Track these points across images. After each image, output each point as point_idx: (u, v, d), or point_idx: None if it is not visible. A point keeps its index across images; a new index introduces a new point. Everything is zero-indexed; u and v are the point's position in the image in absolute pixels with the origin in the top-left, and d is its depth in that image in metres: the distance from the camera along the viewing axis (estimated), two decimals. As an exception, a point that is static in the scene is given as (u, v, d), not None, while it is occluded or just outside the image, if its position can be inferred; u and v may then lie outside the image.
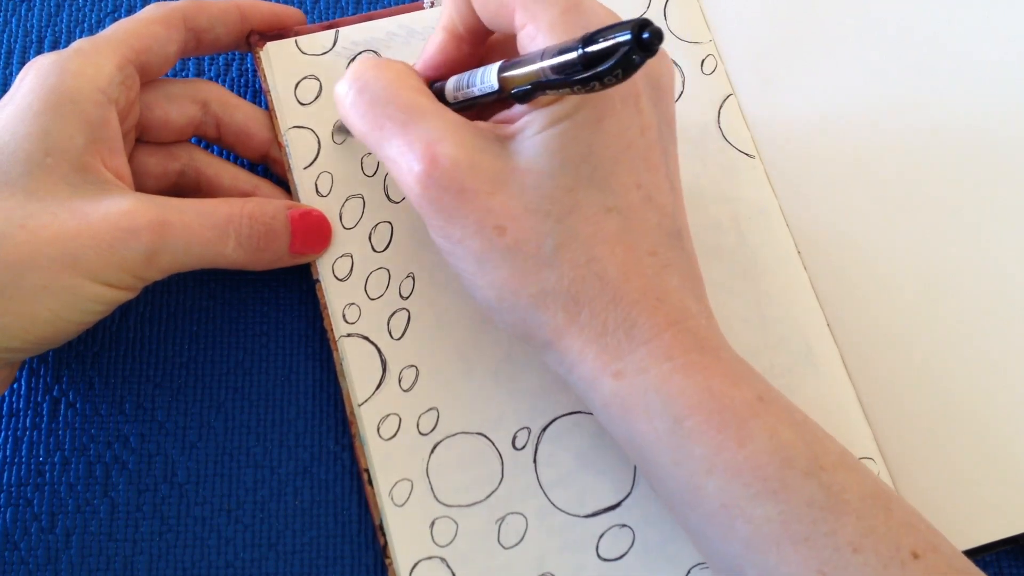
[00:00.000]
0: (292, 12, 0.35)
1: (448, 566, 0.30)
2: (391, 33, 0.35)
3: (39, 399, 0.33)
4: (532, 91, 0.25)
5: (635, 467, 0.32)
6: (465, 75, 0.28)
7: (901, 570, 0.23)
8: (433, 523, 0.31)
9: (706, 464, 0.25)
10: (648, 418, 0.25)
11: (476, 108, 0.29)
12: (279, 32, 0.35)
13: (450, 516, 0.31)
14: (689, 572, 0.31)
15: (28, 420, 0.33)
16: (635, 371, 0.26)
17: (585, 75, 0.22)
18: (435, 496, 0.31)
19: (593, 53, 0.22)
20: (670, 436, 0.25)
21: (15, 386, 0.33)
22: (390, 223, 0.33)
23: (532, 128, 0.26)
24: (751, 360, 0.32)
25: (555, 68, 0.24)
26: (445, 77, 0.29)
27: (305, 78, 0.34)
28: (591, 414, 0.32)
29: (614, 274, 0.26)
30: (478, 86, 0.27)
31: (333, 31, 0.35)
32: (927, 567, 0.24)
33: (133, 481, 0.33)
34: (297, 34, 0.35)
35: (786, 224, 0.34)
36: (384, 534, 0.31)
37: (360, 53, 0.35)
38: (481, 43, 0.30)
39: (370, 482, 0.31)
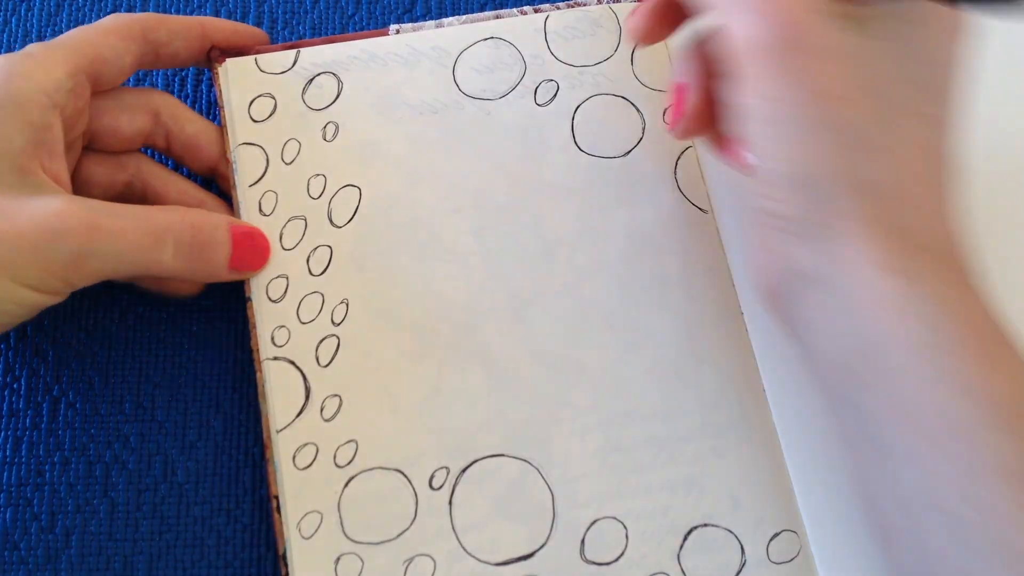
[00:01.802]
0: (255, 32, 0.35)
1: (349, 604, 0.30)
2: (352, 57, 0.35)
3: (39, 399, 0.33)
4: None
5: (553, 518, 0.31)
6: None
7: None
8: (339, 559, 0.30)
9: (957, 381, 0.24)
10: (915, 322, 0.25)
11: None
12: (241, 50, 0.35)
13: (356, 553, 0.30)
14: (596, 633, 0.30)
15: (28, 420, 0.33)
16: (917, 278, 0.25)
17: None
18: (344, 531, 0.30)
19: None
20: (928, 348, 0.24)
21: (15, 386, 0.33)
22: (330, 247, 0.33)
23: (896, 19, 0.26)
24: (684, 420, 0.32)
25: None
26: None
27: (261, 96, 0.34)
28: (514, 458, 0.31)
29: (925, 183, 0.26)
30: None
31: (294, 51, 0.35)
32: None
33: (133, 481, 0.33)
34: (259, 53, 0.35)
35: (732, 284, 0.33)
36: (287, 565, 0.30)
37: (319, 75, 0.35)
38: None
39: (278, 509, 0.30)
